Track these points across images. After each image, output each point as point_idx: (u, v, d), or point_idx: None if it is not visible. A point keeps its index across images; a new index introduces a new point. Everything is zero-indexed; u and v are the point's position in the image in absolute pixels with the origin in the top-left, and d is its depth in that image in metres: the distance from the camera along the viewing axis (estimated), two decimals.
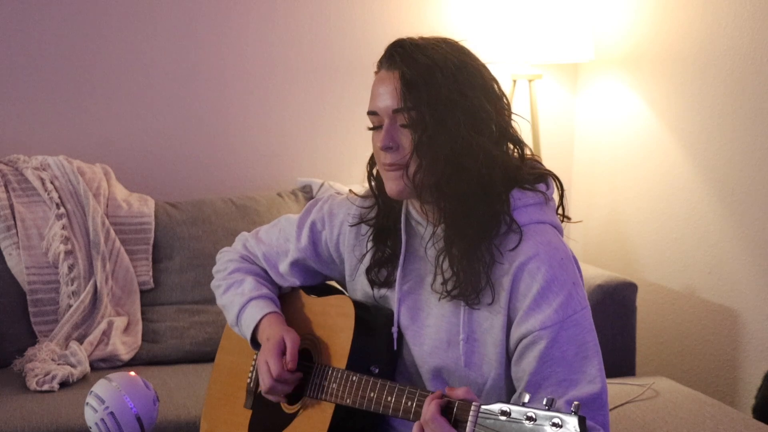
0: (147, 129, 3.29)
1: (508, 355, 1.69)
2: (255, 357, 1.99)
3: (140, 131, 3.28)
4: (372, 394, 1.70)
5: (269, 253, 1.99)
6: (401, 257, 1.79)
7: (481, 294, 1.67)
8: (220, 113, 3.35)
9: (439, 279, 1.72)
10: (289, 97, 3.39)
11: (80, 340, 2.84)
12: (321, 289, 1.99)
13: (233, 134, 3.37)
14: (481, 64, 1.72)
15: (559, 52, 3.25)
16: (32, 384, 2.63)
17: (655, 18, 3.24)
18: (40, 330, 2.85)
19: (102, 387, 1.93)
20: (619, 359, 2.96)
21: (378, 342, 1.80)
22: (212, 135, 3.35)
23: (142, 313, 2.97)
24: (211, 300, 2.89)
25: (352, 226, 1.86)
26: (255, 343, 1.91)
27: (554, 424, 1.37)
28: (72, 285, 2.87)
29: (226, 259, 2.06)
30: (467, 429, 1.47)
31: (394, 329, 1.79)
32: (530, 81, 3.35)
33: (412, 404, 1.62)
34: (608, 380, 2.70)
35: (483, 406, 1.47)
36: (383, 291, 1.83)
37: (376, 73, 1.73)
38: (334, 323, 1.85)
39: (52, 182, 2.97)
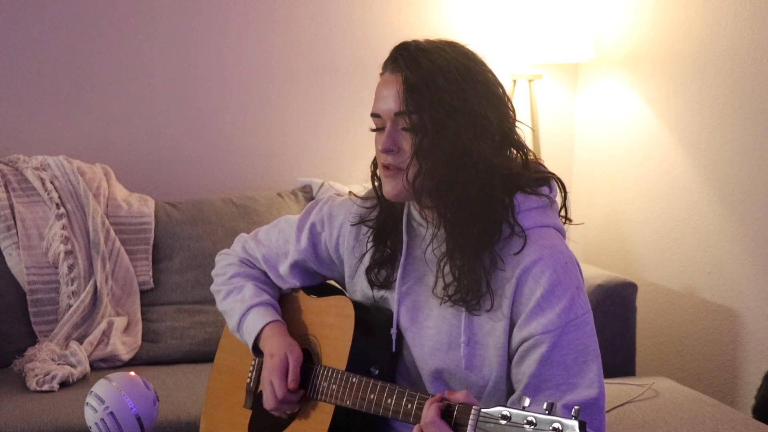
0: (147, 129, 3.29)
1: (509, 358, 1.68)
2: (255, 357, 1.99)
3: (140, 131, 3.28)
4: (372, 396, 1.70)
5: (269, 255, 1.99)
6: (402, 258, 1.79)
7: (481, 300, 1.67)
8: (220, 113, 3.35)
9: (441, 283, 1.72)
10: (289, 97, 3.39)
11: (80, 340, 2.84)
12: (321, 289, 1.99)
13: (233, 134, 3.37)
14: (486, 68, 1.71)
15: (559, 52, 3.25)
16: (32, 384, 2.63)
17: (655, 18, 3.24)
18: (40, 330, 2.85)
19: (102, 387, 1.93)
20: (619, 359, 2.96)
21: (378, 343, 1.80)
22: (212, 135, 3.35)
23: (142, 313, 2.98)
24: (211, 300, 2.87)
25: (353, 225, 1.86)
26: (257, 350, 1.92)
27: (554, 429, 1.37)
28: (72, 285, 2.87)
29: (225, 263, 2.05)
30: None
31: (393, 330, 1.79)
32: (530, 81, 3.35)
33: (412, 407, 1.62)
34: (608, 380, 2.72)
35: (483, 410, 1.46)
36: (383, 292, 1.82)
37: (381, 74, 1.73)
38: (334, 324, 1.85)
39: (52, 182, 2.97)
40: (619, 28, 3.39)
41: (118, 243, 2.97)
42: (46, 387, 2.62)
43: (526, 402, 1.43)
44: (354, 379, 1.74)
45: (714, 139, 3.03)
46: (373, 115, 1.71)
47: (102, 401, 1.90)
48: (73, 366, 2.72)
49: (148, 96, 3.28)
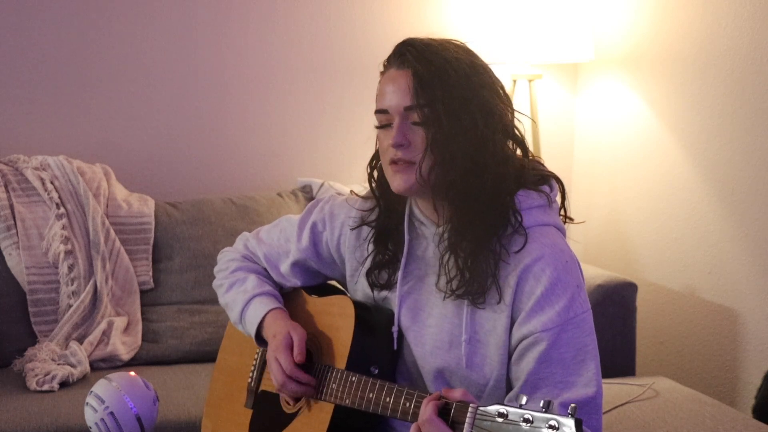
0: (147, 129, 3.29)
1: (509, 356, 1.69)
2: (256, 357, 1.99)
3: (140, 131, 3.29)
4: (371, 395, 1.70)
5: (270, 254, 1.99)
6: (404, 258, 1.79)
7: (487, 293, 1.67)
8: (220, 113, 3.35)
9: (444, 278, 1.72)
10: (289, 97, 3.40)
11: (80, 340, 2.84)
12: (322, 289, 1.99)
13: (233, 134, 3.37)
14: (488, 66, 1.73)
15: (559, 52, 3.25)
16: (32, 384, 2.63)
17: (655, 18, 3.24)
18: (40, 330, 2.85)
19: (102, 387, 1.93)
20: (619, 359, 2.96)
21: (378, 342, 1.80)
22: (212, 135, 3.35)
23: (142, 313, 2.98)
24: (211, 300, 2.90)
25: (353, 229, 1.86)
26: (260, 339, 1.92)
27: (551, 426, 1.38)
28: (72, 285, 2.87)
29: (227, 258, 2.06)
30: (464, 430, 1.47)
31: (395, 329, 1.79)
32: (530, 81, 3.35)
33: (410, 405, 1.62)
34: (608, 380, 2.73)
35: (480, 408, 1.47)
36: (384, 292, 1.83)
37: (383, 72, 1.72)
38: (335, 323, 1.85)
39: (52, 182, 2.97)
40: (619, 28, 3.39)
41: (118, 243, 2.97)
42: (46, 387, 2.63)
43: (523, 400, 1.44)
44: (353, 378, 1.74)
45: (714, 139, 3.03)
46: (379, 111, 1.71)
47: (102, 401, 1.90)
48: (73, 366, 2.72)
49: (148, 96, 3.28)
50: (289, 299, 1.99)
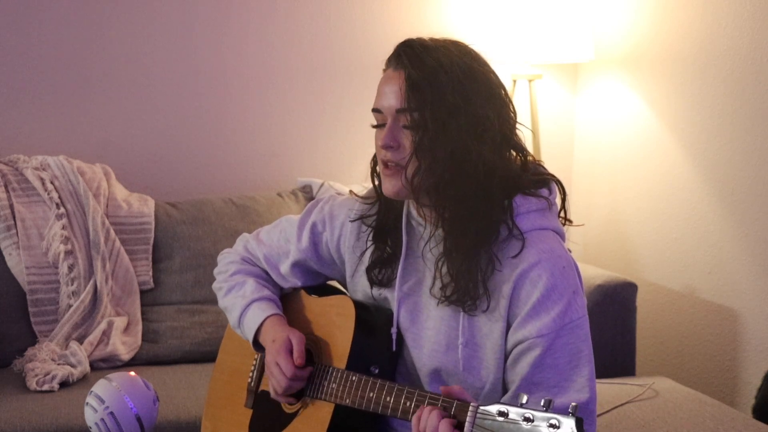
0: (147, 129, 3.29)
1: (506, 360, 1.69)
2: (256, 357, 1.99)
3: (140, 131, 3.28)
4: (371, 395, 1.70)
5: (270, 255, 1.99)
6: (402, 258, 1.79)
7: (478, 301, 1.67)
8: (220, 113, 3.35)
9: (438, 284, 1.72)
10: (289, 97, 3.39)
11: (80, 340, 2.84)
12: (322, 289, 1.99)
13: (233, 134, 3.37)
14: (489, 69, 1.71)
15: (559, 52, 3.25)
16: (32, 384, 2.63)
17: (655, 18, 3.24)
18: (40, 330, 2.85)
19: (102, 387, 1.93)
20: (619, 359, 2.96)
21: (378, 342, 1.80)
22: (212, 135, 3.35)
23: (142, 313, 2.97)
24: (211, 300, 2.90)
25: (352, 221, 1.86)
26: (257, 345, 1.92)
27: (552, 425, 1.38)
28: (72, 285, 2.87)
29: (227, 260, 2.06)
30: (465, 430, 1.47)
31: (393, 330, 1.79)
32: (530, 81, 3.35)
33: (410, 404, 1.62)
34: (608, 380, 2.73)
35: (481, 407, 1.47)
36: (383, 292, 1.83)
37: (384, 70, 1.72)
38: (335, 323, 1.85)
39: (52, 182, 2.97)
40: (619, 28, 3.39)
41: (118, 243, 2.97)
42: (46, 387, 2.62)
43: (524, 399, 1.43)
44: (354, 378, 1.74)
45: (714, 139, 3.03)
46: (375, 110, 1.71)
47: (102, 401, 1.90)
48: (73, 366, 2.72)
49: (148, 96, 3.28)
50: (288, 299, 1.99)
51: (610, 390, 2.62)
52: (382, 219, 1.83)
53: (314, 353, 1.87)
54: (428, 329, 1.75)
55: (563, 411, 1.39)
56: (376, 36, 3.40)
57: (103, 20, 3.21)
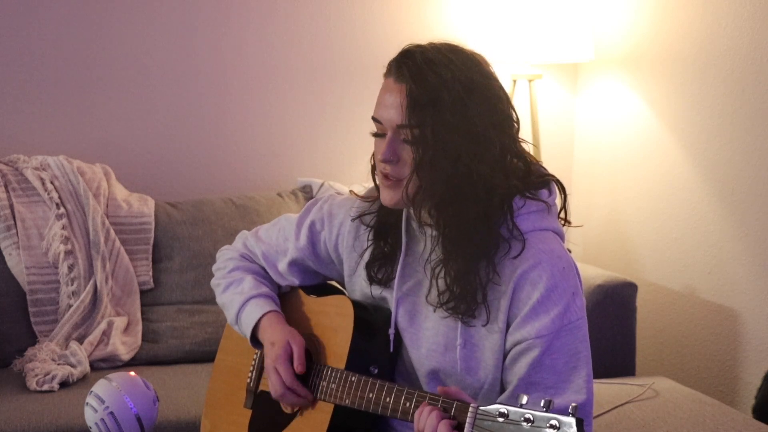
0: (147, 129, 3.29)
1: (504, 360, 1.69)
2: (255, 357, 1.99)
3: (140, 131, 3.28)
4: (371, 395, 1.70)
5: (268, 252, 1.99)
6: (401, 259, 1.79)
7: (476, 311, 1.67)
8: (220, 113, 3.35)
9: (435, 291, 1.72)
10: (289, 97, 3.39)
11: (80, 340, 2.84)
12: (320, 288, 1.99)
13: (233, 134, 3.37)
14: (490, 78, 1.69)
15: (559, 52, 3.25)
16: (32, 384, 2.63)
17: (655, 18, 3.24)
18: (40, 330, 2.85)
19: (102, 387, 1.93)
20: (619, 359, 2.96)
21: (377, 342, 1.80)
22: (212, 135, 3.35)
23: (142, 313, 2.97)
24: (211, 300, 2.89)
25: (353, 219, 1.86)
26: (255, 341, 1.92)
27: (552, 426, 1.37)
28: (72, 285, 2.87)
29: (226, 257, 2.06)
30: (465, 431, 1.47)
31: (391, 330, 1.79)
32: (530, 81, 3.35)
33: (410, 405, 1.62)
34: (608, 380, 2.73)
35: (481, 408, 1.47)
36: (382, 291, 1.83)
37: (385, 76, 1.71)
38: (333, 323, 1.85)
39: (52, 182, 2.97)
40: (619, 28, 3.39)
41: (118, 243, 2.97)
42: (46, 387, 2.62)
43: (524, 399, 1.43)
44: (353, 378, 1.74)
45: (714, 139, 3.03)
46: (375, 119, 1.71)
47: (102, 401, 1.90)
48: (73, 366, 2.72)
49: (148, 96, 3.28)
50: (287, 299, 1.99)
51: (610, 390, 2.62)
52: (383, 217, 1.83)
53: (313, 353, 1.87)
54: (426, 329, 1.75)
55: (563, 412, 1.39)
56: (376, 36, 3.39)
57: (103, 20, 3.21)
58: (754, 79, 2.88)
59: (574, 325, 1.64)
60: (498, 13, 3.29)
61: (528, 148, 1.75)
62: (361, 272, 1.85)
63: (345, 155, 3.42)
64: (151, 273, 3.01)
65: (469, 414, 1.48)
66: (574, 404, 1.38)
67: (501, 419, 1.43)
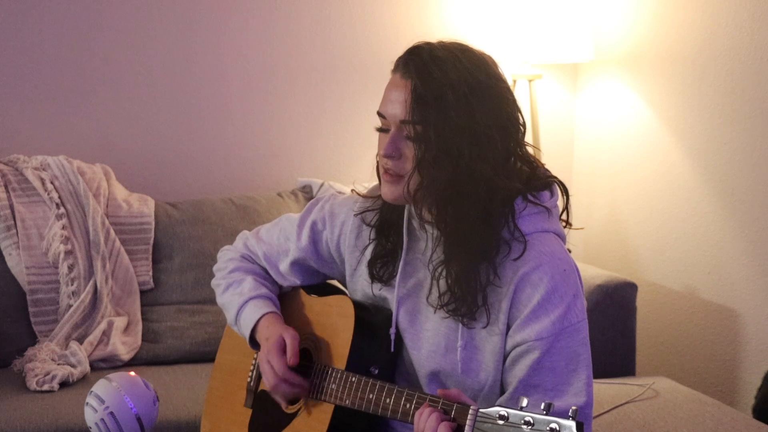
0: (147, 129, 3.29)
1: (504, 361, 1.69)
2: (255, 356, 1.99)
3: (140, 131, 3.28)
4: (371, 396, 1.70)
5: (270, 253, 1.99)
6: (402, 258, 1.79)
7: (476, 313, 1.67)
8: (220, 113, 3.35)
9: (435, 291, 1.72)
10: (289, 97, 3.39)
11: (80, 340, 2.84)
12: (321, 288, 1.99)
13: (233, 134, 3.37)
14: (497, 79, 1.68)
15: (559, 52, 3.25)
16: (32, 384, 2.63)
17: (655, 18, 3.24)
18: (40, 330, 2.85)
19: (102, 387, 1.93)
20: (619, 359, 2.96)
21: (378, 343, 1.80)
22: (212, 135, 3.35)
23: (142, 313, 2.97)
24: (211, 300, 2.89)
25: (357, 214, 1.86)
26: (254, 342, 1.92)
27: (552, 429, 1.37)
28: (72, 285, 2.87)
29: (226, 257, 2.06)
30: None
31: (392, 331, 1.79)
32: (530, 81, 3.35)
33: (410, 406, 1.62)
34: (608, 380, 2.73)
35: (481, 410, 1.47)
36: (383, 291, 1.82)
37: (392, 72, 1.70)
38: (334, 323, 1.85)
39: (52, 182, 2.97)
40: (619, 28, 3.39)
41: (118, 243, 2.97)
42: (46, 387, 2.62)
43: (524, 402, 1.43)
44: (353, 379, 1.74)
45: (714, 139, 3.03)
46: (380, 114, 1.71)
47: (102, 401, 1.90)
48: (73, 366, 2.72)
49: (148, 96, 3.28)
50: (288, 299, 1.99)
51: (610, 390, 2.62)
52: (385, 214, 1.83)
53: (313, 353, 1.87)
54: (427, 331, 1.75)
55: (563, 414, 1.39)
56: (376, 36, 3.39)
57: (103, 20, 3.21)
58: (754, 79, 2.88)
59: (574, 328, 1.64)
60: (498, 13, 3.29)
61: (531, 151, 1.75)
62: (363, 271, 1.85)
63: (345, 155, 3.42)
64: (151, 273, 3.01)
65: (469, 416, 1.48)
66: (574, 407, 1.38)
67: (501, 422, 1.43)
